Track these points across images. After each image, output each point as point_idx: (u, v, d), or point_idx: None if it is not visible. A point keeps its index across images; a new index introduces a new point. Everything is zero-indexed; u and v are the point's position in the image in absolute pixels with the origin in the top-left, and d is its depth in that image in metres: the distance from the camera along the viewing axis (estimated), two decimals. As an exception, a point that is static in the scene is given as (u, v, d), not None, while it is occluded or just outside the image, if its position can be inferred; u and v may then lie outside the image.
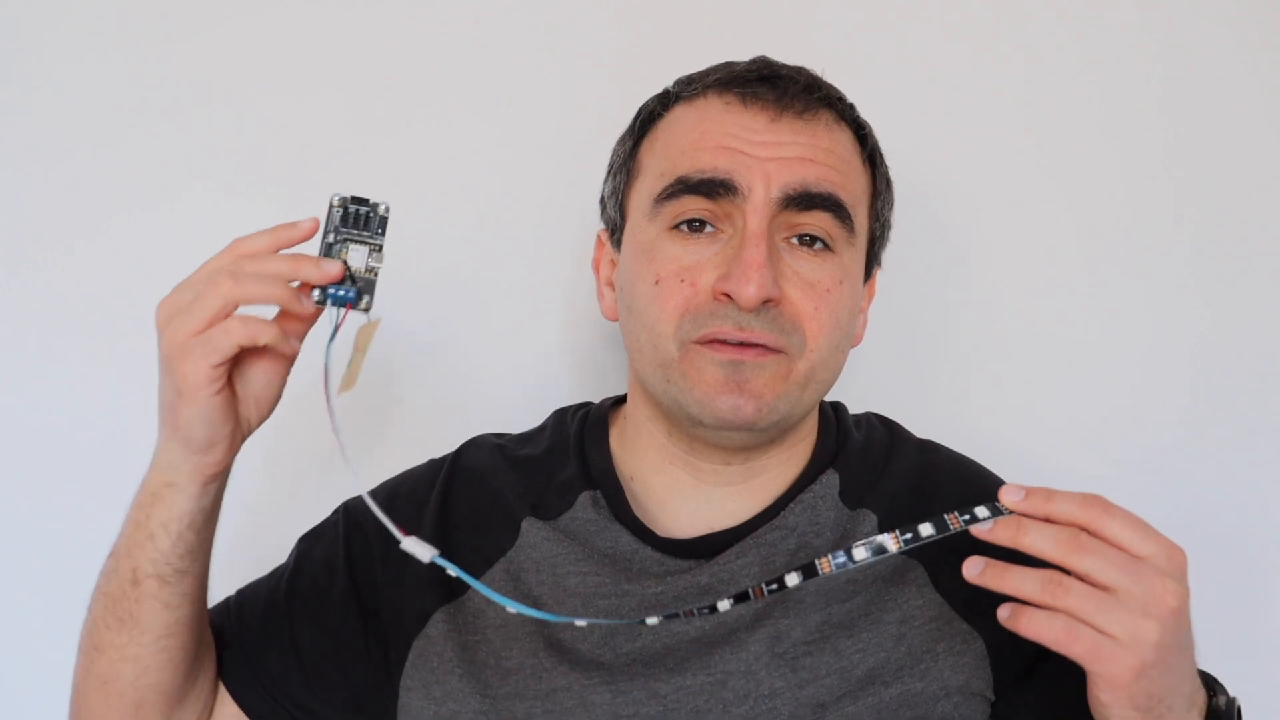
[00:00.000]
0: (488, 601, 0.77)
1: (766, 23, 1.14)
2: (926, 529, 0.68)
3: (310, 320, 0.73)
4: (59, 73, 1.09)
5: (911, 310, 1.14)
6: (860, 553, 0.69)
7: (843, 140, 0.84)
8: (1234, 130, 1.16)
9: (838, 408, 0.93)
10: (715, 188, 0.80)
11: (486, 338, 1.13)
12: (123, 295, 1.07)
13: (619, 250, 0.88)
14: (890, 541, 0.69)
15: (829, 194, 0.81)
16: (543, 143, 1.13)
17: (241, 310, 0.69)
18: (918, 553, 0.76)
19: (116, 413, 1.06)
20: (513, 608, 0.72)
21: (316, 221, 0.72)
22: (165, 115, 1.09)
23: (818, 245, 0.82)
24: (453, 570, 0.71)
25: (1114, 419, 1.14)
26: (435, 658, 0.82)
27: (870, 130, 0.87)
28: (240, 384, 0.73)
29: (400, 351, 1.11)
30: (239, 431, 0.74)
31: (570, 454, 0.89)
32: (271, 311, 0.71)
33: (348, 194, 0.73)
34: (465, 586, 0.81)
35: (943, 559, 0.77)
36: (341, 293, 0.72)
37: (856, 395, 0.98)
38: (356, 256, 0.73)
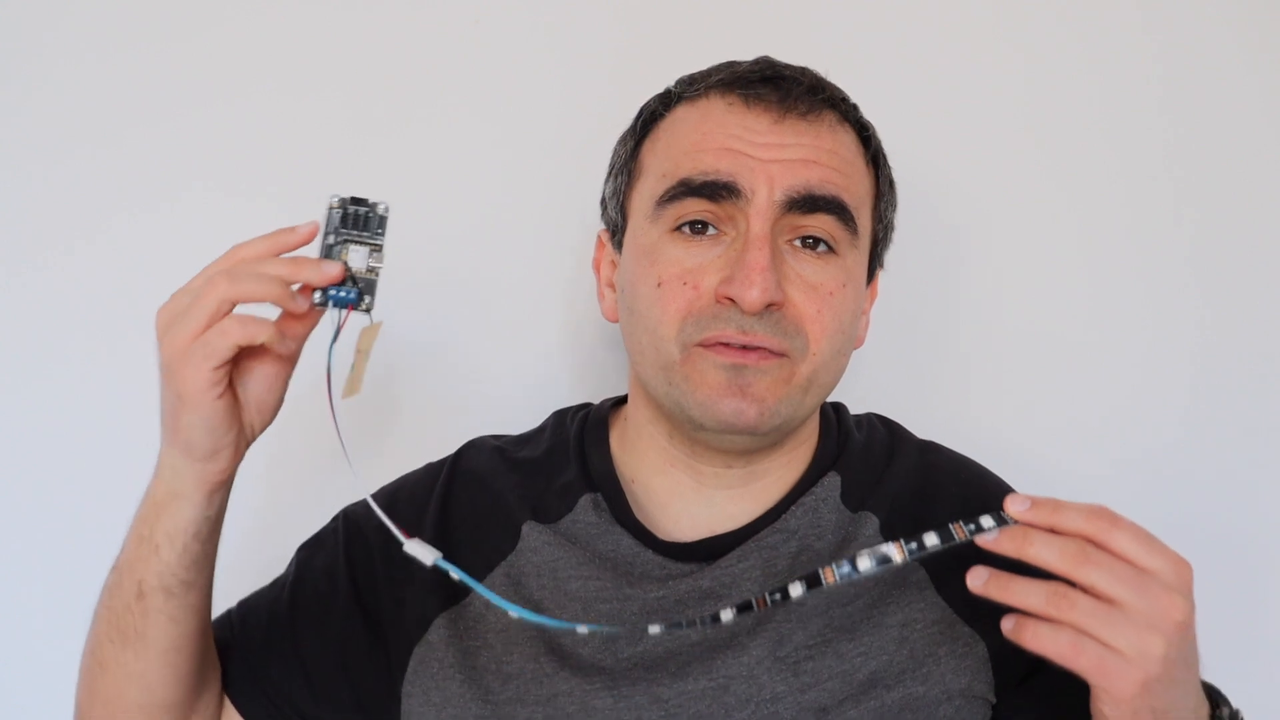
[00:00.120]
0: (488, 606, 0.77)
1: (767, 22, 1.13)
2: (931, 539, 0.67)
3: (310, 321, 0.73)
4: (59, 73, 1.09)
5: (912, 311, 1.13)
6: (865, 563, 0.68)
7: (846, 142, 0.84)
8: (1234, 130, 1.15)
9: (839, 409, 0.93)
10: (718, 190, 0.79)
11: (486, 338, 1.13)
12: (123, 295, 1.07)
13: (620, 251, 0.88)
14: (895, 552, 0.68)
15: (833, 196, 0.80)
16: (543, 143, 1.13)
17: (240, 310, 0.69)
18: (919, 556, 0.76)
19: (116, 413, 1.06)
20: (515, 612, 0.71)
21: (315, 225, 0.71)
22: (165, 115, 1.09)
23: (821, 248, 0.81)
24: (456, 574, 0.70)
25: (1114, 419, 1.14)
26: (436, 663, 0.82)
27: (874, 131, 0.87)
28: (242, 389, 0.72)
29: (400, 352, 1.11)
30: (242, 438, 0.73)
31: (570, 456, 0.88)
32: (272, 314, 0.71)
33: (346, 195, 0.73)
34: (466, 591, 0.81)
35: (944, 563, 0.77)
36: (343, 294, 0.71)
37: (857, 396, 0.98)
38: (357, 257, 0.72)
